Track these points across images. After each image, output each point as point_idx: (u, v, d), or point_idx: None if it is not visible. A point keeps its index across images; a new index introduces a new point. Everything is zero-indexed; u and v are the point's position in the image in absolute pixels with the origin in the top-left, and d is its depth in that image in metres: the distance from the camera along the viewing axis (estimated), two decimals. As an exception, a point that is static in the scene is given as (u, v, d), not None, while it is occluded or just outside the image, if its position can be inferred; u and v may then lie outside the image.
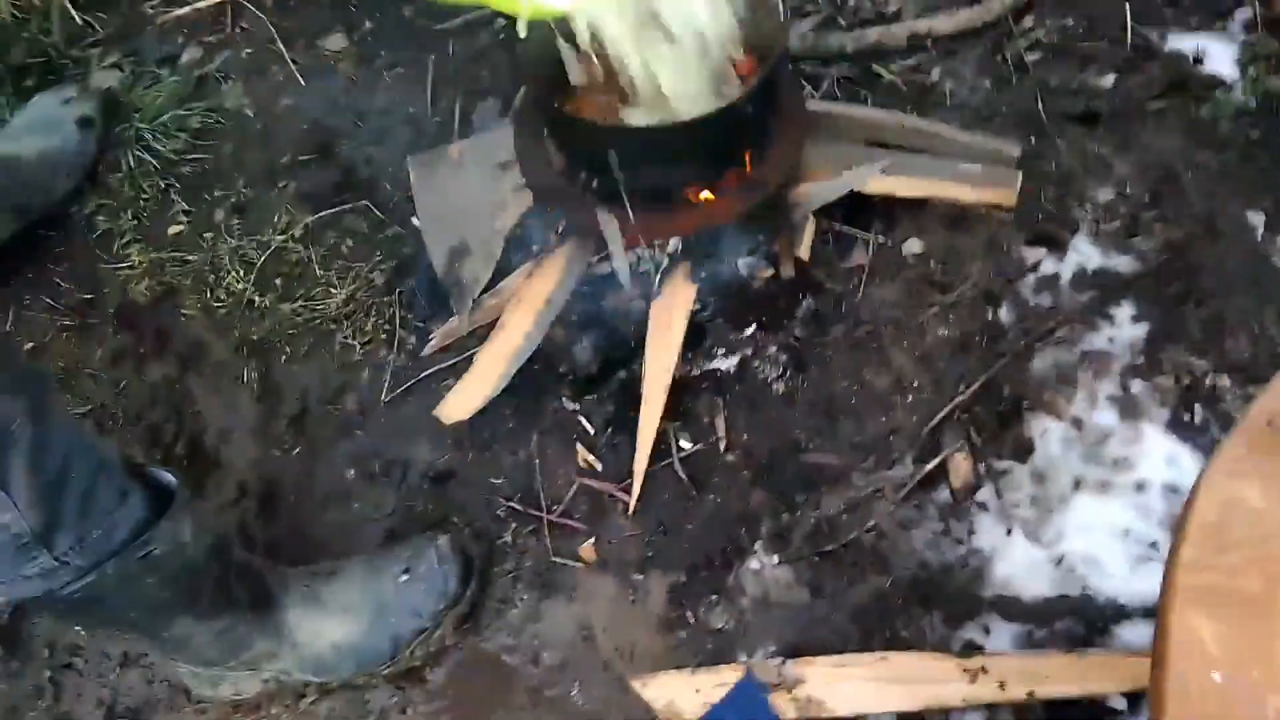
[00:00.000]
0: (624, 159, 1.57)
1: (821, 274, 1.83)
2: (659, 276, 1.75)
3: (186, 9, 2.11)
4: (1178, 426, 1.61)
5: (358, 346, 1.82)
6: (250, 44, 2.10)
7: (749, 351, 1.76)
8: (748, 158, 1.62)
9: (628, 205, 1.66)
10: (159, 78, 2.03)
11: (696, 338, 1.77)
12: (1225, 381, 1.64)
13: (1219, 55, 1.92)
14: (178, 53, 2.09)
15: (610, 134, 1.50)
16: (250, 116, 2.02)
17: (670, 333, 1.71)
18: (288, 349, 1.82)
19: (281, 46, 2.08)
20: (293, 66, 2.06)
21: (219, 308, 1.86)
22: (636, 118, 1.59)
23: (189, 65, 2.06)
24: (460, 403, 1.64)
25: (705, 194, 1.63)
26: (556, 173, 1.73)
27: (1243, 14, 1.99)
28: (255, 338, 1.83)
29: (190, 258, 1.89)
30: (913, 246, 1.83)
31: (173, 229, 1.92)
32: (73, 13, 2.11)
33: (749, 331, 1.79)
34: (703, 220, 1.61)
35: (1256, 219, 1.76)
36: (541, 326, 1.68)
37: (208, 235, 1.91)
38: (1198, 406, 1.62)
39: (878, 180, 1.81)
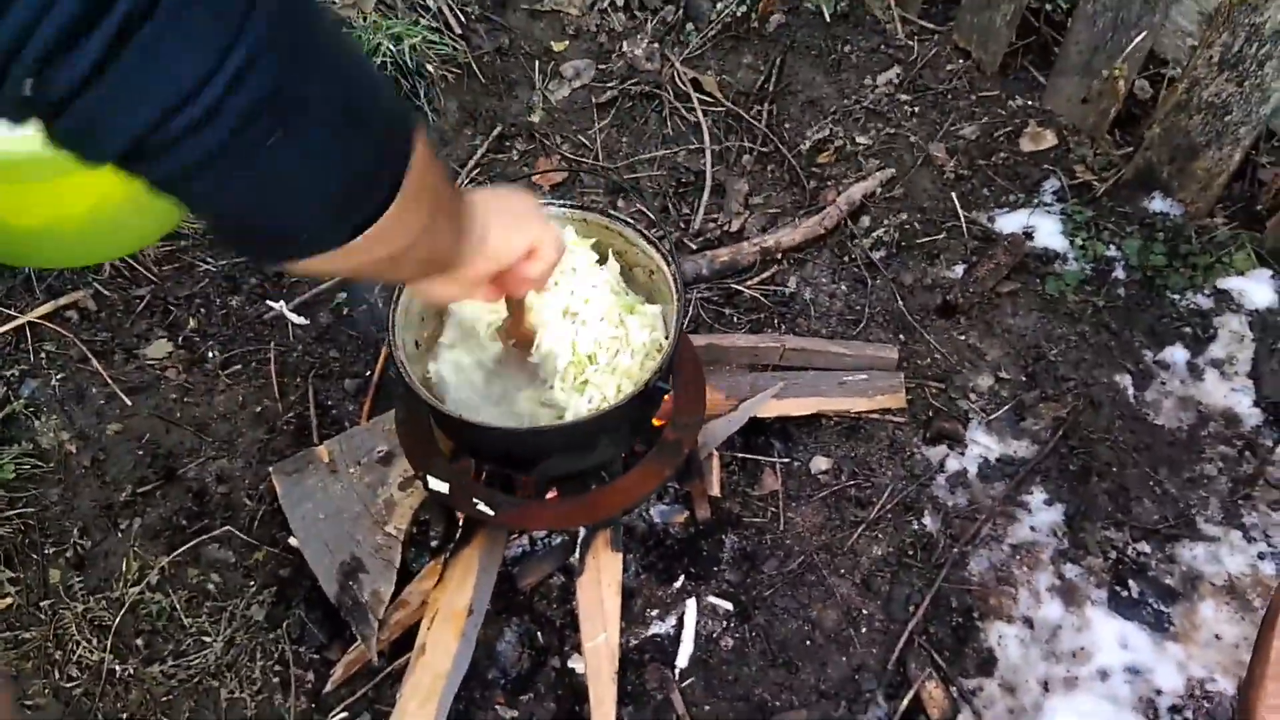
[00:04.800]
0: (532, 452, 1.54)
1: (737, 507, 1.85)
2: (579, 549, 1.71)
3: (-25, 341, 1.94)
4: (1119, 604, 1.71)
5: (248, 699, 1.67)
6: (60, 369, 1.95)
7: (685, 608, 1.73)
8: (657, 424, 1.63)
9: (541, 492, 1.64)
10: (-47, 428, 1.84)
11: (626, 601, 1.74)
12: (1145, 548, 1.77)
13: (1046, 228, 2.15)
14: (-27, 394, 1.91)
15: (518, 435, 1.47)
16: (74, 452, 1.86)
17: (604, 611, 1.66)
18: (165, 720, 1.63)
19: (97, 364, 1.95)
20: (114, 385, 1.93)
21: (73, 687, 1.66)
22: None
23: (-11, 406, 1.88)
24: (399, 755, 1.51)
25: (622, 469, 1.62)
26: (448, 458, 1.67)
27: (1051, 184, 2.24)
28: (123, 715, 1.64)
29: (27, 634, 1.69)
30: (819, 463, 1.89)
31: (-1, 604, 1.71)
32: None
33: (679, 584, 1.77)
34: (626, 498, 1.61)
35: (1124, 381, 1.95)
36: (469, 641, 1.60)
37: (45, 603, 1.72)
38: (1130, 581, 1.72)
39: (774, 404, 1.88)
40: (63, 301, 2.00)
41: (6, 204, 1.37)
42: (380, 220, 0.72)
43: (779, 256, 2.16)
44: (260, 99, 0.58)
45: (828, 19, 2.53)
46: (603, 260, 1.60)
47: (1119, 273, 2.10)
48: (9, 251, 1.64)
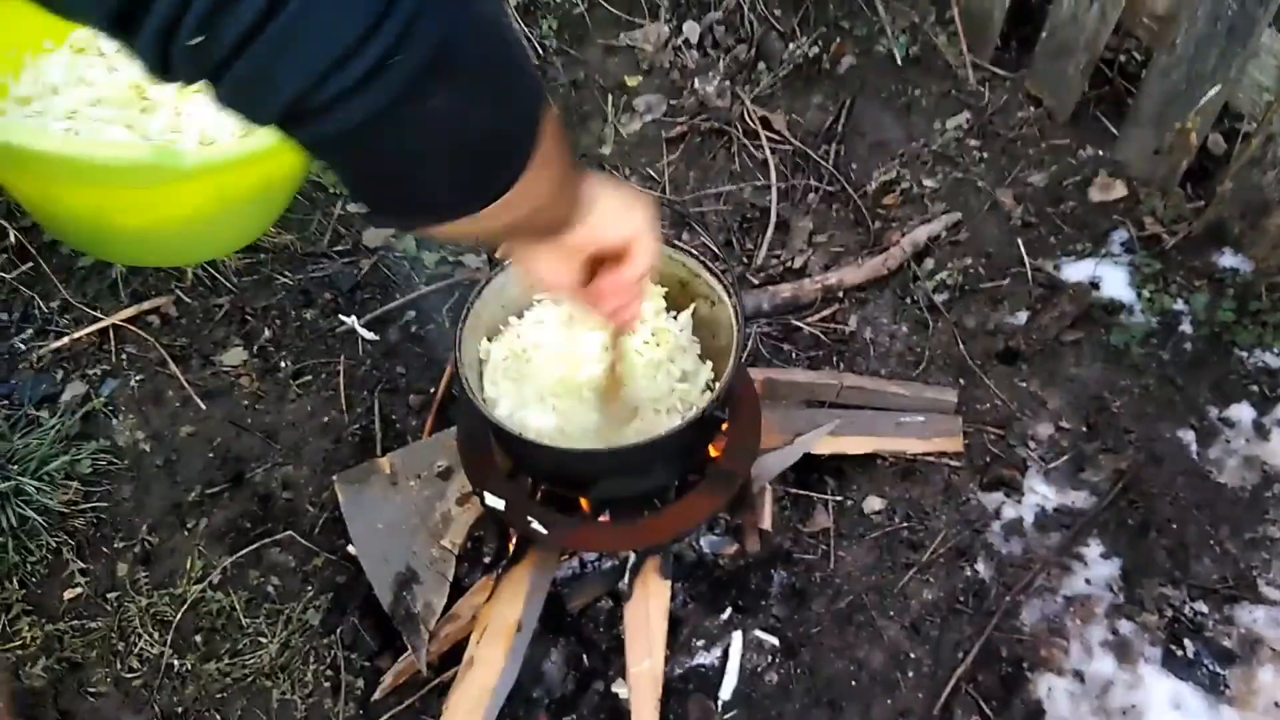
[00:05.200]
0: (589, 474, 1.56)
1: (787, 542, 1.85)
2: (628, 574, 1.72)
3: (64, 340, 2.02)
4: (1172, 663, 1.67)
5: (299, 701, 1.70)
6: (140, 370, 2.02)
7: (731, 641, 1.73)
8: (713, 452, 1.64)
9: (594, 515, 1.65)
10: (38, 421, 1.91)
11: (672, 630, 1.74)
12: (1203, 607, 1.73)
13: (1113, 279, 2.13)
14: (58, 390, 1.98)
15: (575, 457, 1.49)
16: (148, 452, 1.92)
17: (650, 637, 1.68)
18: (218, 716, 1.67)
19: (175, 369, 2.01)
20: (189, 389, 1.99)
21: (133, 678, 1.71)
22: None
23: (72, 403, 1.96)
24: (443, 766, 1.52)
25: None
26: (505, 476, 1.69)
27: (1119, 235, 2.22)
28: (179, 709, 1.68)
29: (93, 625, 1.75)
30: (873, 504, 1.88)
31: (69, 593, 1.77)
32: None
33: (726, 616, 1.77)
34: (678, 525, 1.62)
35: (1188, 437, 1.92)
36: (517, 658, 1.62)
37: (111, 596, 1.77)
38: (1186, 640, 1.69)
39: (829, 441, 1.88)
40: (146, 306, 2.07)
41: (112, 205, 1.45)
42: (519, 181, 0.71)
43: (840, 295, 2.17)
44: (426, 58, 0.56)
45: (899, 62, 2.54)
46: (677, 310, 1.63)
47: (1186, 327, 2.06)
48: (111, 249, 1.72)
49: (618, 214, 0.97)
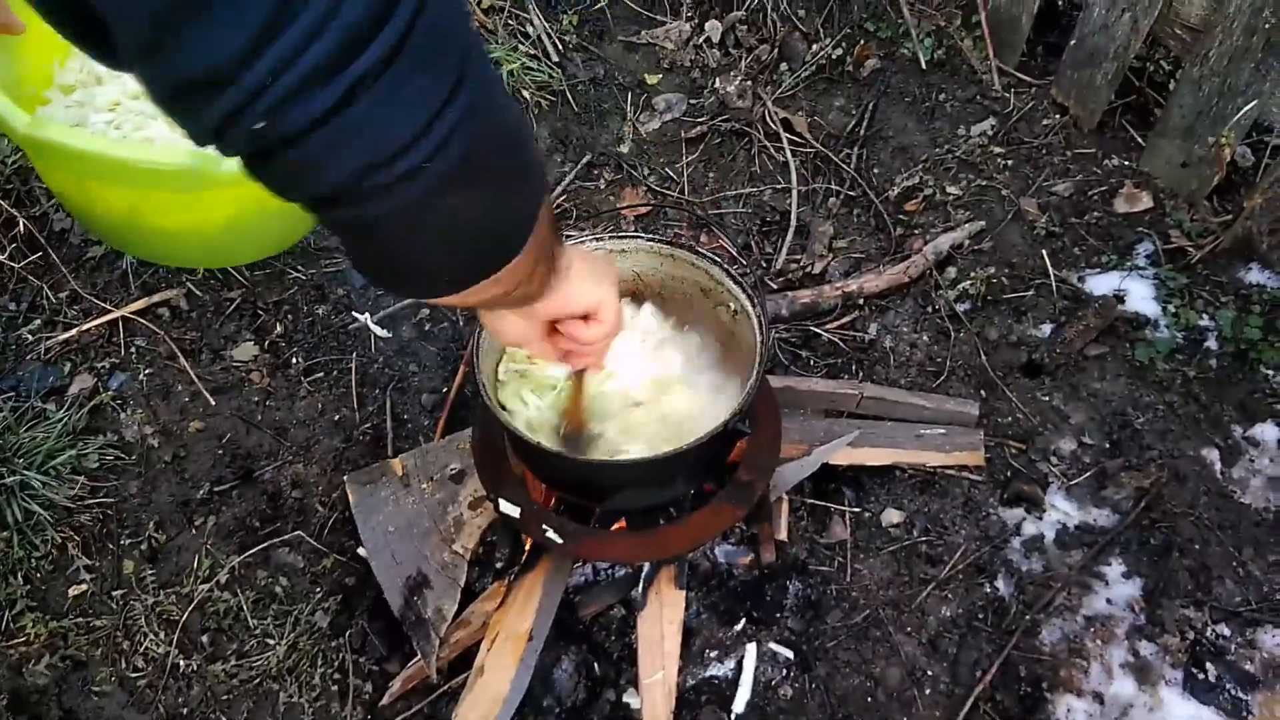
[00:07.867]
0: (607, 485, 1.54)
1: (803, 553, 1.84)
2: (642, 583, 1.71)
3: (73, 331, 2.00)
4: (1194, 687, 1.66)
5: (306, 704, 1.69)
6: (149, 364, 2.00)
7: (745, 652, 1.72)
8: (731, 463, 1.63)
9: (610, 524, 1.64)
10: (45, 414, 1.90)
11: (685, 640, 1.73)
12: (1225, 630, 1.71)
13: (1138, 293, 2.11)
14: (65, 383, 1.97)
15: (595, 468, 1.47)
16: (156, 447, 1.91)
17: (664, 648, 1.66)
18: (224, 718, 1.66)
19: (185, 363, 2.00)
20: (199, 384, 1.98)
21: (137, 678, 1.70)
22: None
23: (79, 396, 1.94)
24: (452, 775, 1.51)
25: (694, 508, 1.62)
26: (520, 482, 1.68)
27: (1144, 248, 2.20)
28: (184, 710, 1.67)
29: (98, 622, 1.73)
30: (891, 516, 1.87)
31: (74, 590, 1.76)
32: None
33: (739, 627, 1.75)
34: (695, 536, 1.60)
35: (1212, 455, 1.90)
36: (528, 667, 1.61)
37: (117, 593, 1.76)
38: (1207, 663, 1.67)
39: (847, 452, 1.86)
40: (156, 299, 2.06)
41: (151, 207, 1.44)
42: (510, 263, 0.76)
43: (860, 302, 2.15)
44: (456, 164, 0.60)
45: (924, 66, 2.52)
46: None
47: (1211, 343, 2.05)
48: (146, 249, 1.70)
49: (585, 284, 1.03)
